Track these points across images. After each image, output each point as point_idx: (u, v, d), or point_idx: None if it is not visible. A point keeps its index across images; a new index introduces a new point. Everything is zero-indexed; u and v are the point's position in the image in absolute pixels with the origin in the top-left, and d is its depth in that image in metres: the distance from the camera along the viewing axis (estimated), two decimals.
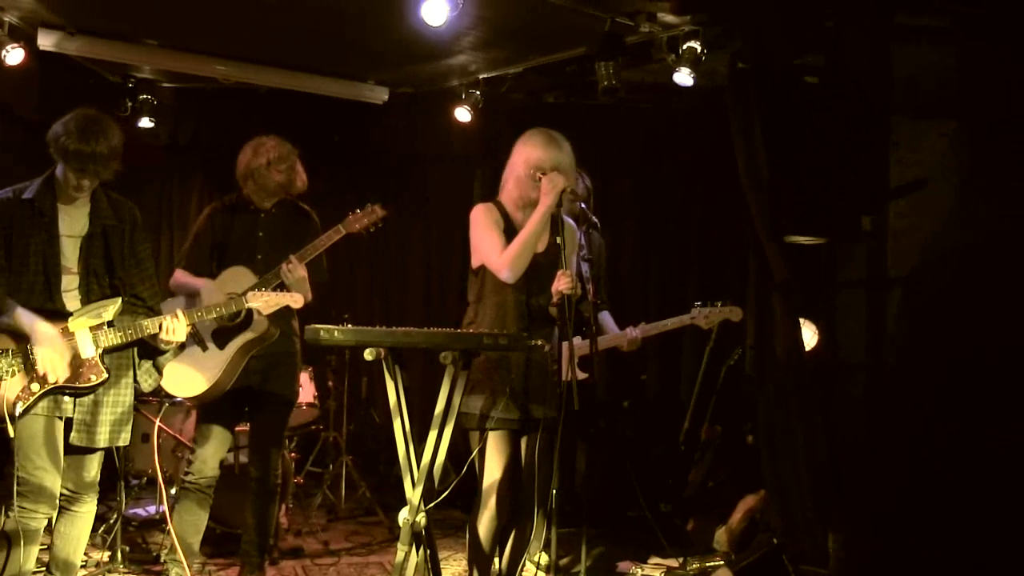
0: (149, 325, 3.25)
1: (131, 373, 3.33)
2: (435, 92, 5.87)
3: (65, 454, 3.20)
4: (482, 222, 3.37)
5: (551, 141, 3.35)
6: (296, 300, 3.55)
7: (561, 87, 6.02)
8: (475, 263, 3.40)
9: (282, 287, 3.70)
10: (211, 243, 3.95)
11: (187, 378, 3.74)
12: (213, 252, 3.93)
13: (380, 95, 5.73)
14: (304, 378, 5.04)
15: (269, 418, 3.97)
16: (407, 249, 7.04)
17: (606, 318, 4.49)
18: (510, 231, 3.35)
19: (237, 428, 4.06)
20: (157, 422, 4.34)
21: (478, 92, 5.59)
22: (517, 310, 3.31)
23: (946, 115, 3.88)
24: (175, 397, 4.08)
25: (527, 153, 3.36)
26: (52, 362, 3.08)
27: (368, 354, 3.02)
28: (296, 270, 3.73)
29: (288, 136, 4.06)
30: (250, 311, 3.65)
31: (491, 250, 3.31)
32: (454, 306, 6.48)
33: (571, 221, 3.48)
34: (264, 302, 3.48)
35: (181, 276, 3.92)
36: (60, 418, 3.18)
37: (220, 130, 6.33)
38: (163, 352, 3.39)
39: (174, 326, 3.25)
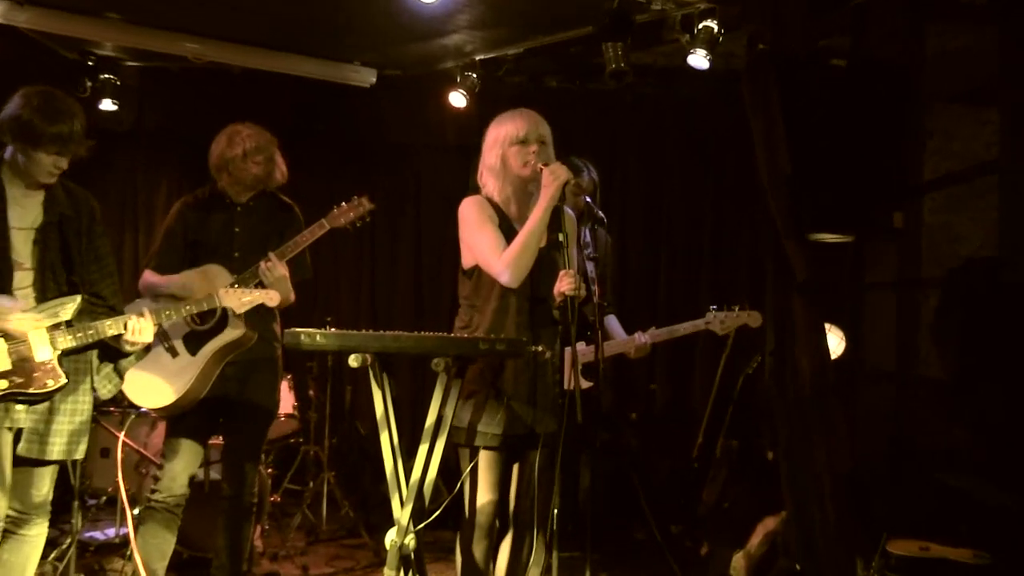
0: (112, 325, 3.20)
1: (90, 379, 3.29)
2: (427, 75, 5.85)
3: (12, 468, 3.12)
4: (475, 218, 3.27)
5: (520, 111, 3.31)
6: (271, 297, 3.57)
7: (564, 70, 6.01)
8: (467, 263, 3.33)
9: (261, 287, 3.68)
10: (183, 241, 3.91)
11: (153, 387, 3.71)
12: (186, 251, 3.90)
13: (367, 77, 5.71)
14: (283, 387, 5.01)
15: (246, 430, 3.94)
16: (396, 246, 7.04)
17: (612, 322, 4.50)
18: (506, 226, 3.29)
19: (210, 441, 4.02)
20: (121, 436, 4.29)
21: (474, 75, 5.56)
22: (518, 312, 3.24)
23: (985, 102, 3.87)
24: (140, 407, 4.04)
25: (497, 133, 3.31)
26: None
27: (353, 360, 2.99)
28: (275, 268, 3.71)
29: (266, 123, 4.03)
30: (225, 312, 3.64)
31: (489, 251, 3.22)
32: (447, 308, 6.48)
33: (570, 212, 3.42)
34: (238, 300, 3.48)
35: (151, 277, 3.88)
36: (10, 429, 3.11)
37: (191, 115, 6.30)
38: (126, 355, 3.35)
39: (140, 326, 3.22)
